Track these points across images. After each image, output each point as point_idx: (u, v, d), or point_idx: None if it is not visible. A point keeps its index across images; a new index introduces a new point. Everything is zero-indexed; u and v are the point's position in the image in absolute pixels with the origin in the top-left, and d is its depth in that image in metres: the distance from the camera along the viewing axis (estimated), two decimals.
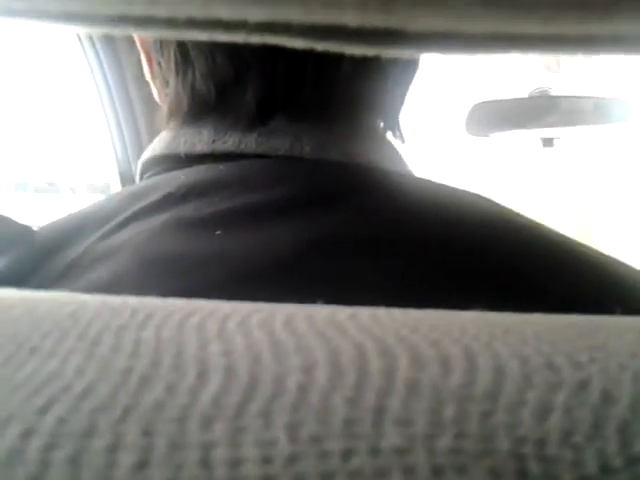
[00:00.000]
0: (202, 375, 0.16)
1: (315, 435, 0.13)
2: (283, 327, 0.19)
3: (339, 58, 0.41)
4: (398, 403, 0.14)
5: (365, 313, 0.21)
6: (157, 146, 0.45)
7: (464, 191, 0.41)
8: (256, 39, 0.20)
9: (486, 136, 1.78)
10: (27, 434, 0.13)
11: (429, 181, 0.42)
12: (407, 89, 0.47)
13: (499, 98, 1.76)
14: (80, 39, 0.93)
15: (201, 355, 0.17)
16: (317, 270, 0.34)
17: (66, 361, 0.17)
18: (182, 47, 0.42)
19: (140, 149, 1.02)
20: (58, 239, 0.40)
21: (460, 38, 0.18)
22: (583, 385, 0.15)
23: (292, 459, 0.12)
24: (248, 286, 0.33)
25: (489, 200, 0.41)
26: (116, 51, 0.92)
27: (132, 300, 0.23)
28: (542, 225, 0.40)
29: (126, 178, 1.06)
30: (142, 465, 0.12)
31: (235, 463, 0.12)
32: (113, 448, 0.12)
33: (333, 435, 0.13)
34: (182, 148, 0.43)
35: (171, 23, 0.20)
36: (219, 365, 0.16)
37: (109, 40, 0.90)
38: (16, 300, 0.23)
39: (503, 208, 0.41)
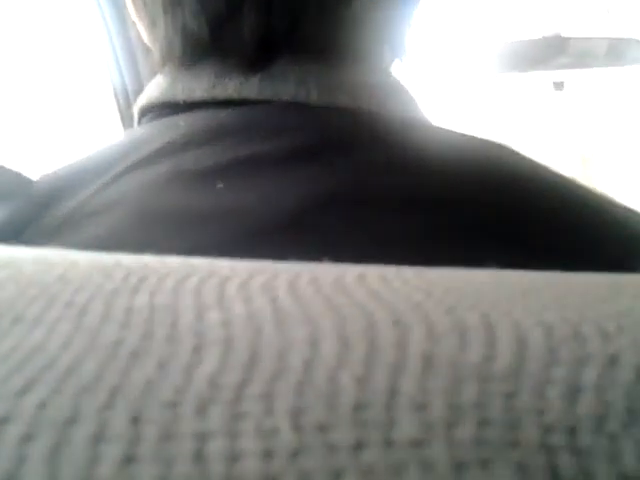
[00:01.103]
0: (198, 350, 0.14)
1: (322, 422, 0.12)
2: (287, 292, 0.18)
3: None
4: (412, 384, 0.13)
5: (374, 274, 0.20)
6: (154, 91, 0.43)
7: (486, 141, 0.39)
8: None
9: (497, 76, 1.75)
10: (5, 420, 0.12)
11: (447, 130, 0.40)
12: (412, 13, 0.45)
13: (512, 39, 1.72)
14: None
15: (197, 326, 0.16)
16: (325, 225, 0.33)
17: (51, 332, 0.16)
18: None
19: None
20: (56, 189, 0.39)
21: None
22: (613, 360, 0.14)
23: (296, 453, 0.11)
24: (252, 243, 0.32)
25: (513, 151, 0.39)
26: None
27: (126, 259, 0.21)
28: (570, 180, 0.38)
29: (128, 125, 1.04)
30: (129, 460, 0.11)
31: (233, 458, 0.11)
32: (97, 439, 0.11)
33: (342, 423, 0.12)
34: (180, 94, 0.40)
35: None
36: (217, 338, 0.15)
37: None
38: (4, 261, 0.21)
39: (529, 160, 0.39)
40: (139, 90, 1.02)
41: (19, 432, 0.11)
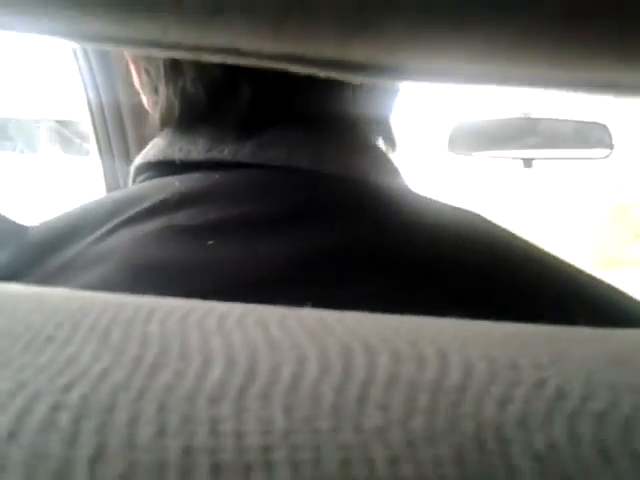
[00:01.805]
0: (206, 363, 0.18)
1: (307, 415, 0.15)
2: (277, 326, 0.21)
3: None
4: (379, 392, 0.16)
5: (351, 316, 0.23)
6: (151, 152, 0.45)
7: (462, 209, 0.42)
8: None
9: (467, 155, 1.82)
10: (56, 408, 0.15)
11: (427, 198, 0.42)
12: (396, 96, 0.48)
13: (480, 119, 1.79)
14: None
15: (204, 347, 0.19)
16: (307, 285, 0.34)
17: (81, 349, 0.19)
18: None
19: (127, 157, 1.03)
20: (51, 239, 0.41)
21: (452, 72, 0.20)
22: (541, 382, 0.18)
23: (288, 433, 0.14)
24: (238, 297, 0.34)
25: (487, 220, 0.42)
26: (108, 59, 0.94)
27: (134, 298, 0.25)
28: (539, 248, 0.41)
29: (112, 187, 1.07)
30: (160, 434, 0.14)
31: (240, 435, 0.14)
32: (133, 422, 0.14)
33: (323, 415, 0.15)
34: (177, 155, 0.43)
35: (173, 46, 0.22)
36: (220, 356, 0.18)
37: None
38: (28, 294, 0.25)
39: (501, 229, 0.41)
40: (125, 153, 1.07)
41: (70, 416, 0.15)
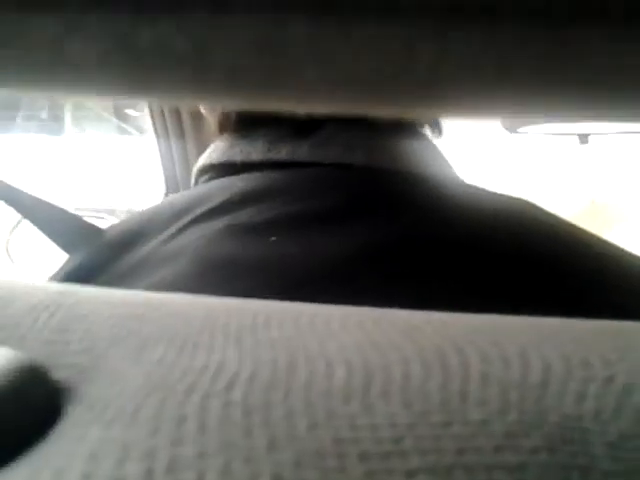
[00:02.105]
0: (329, 365, 0.22)
1: (422, 410, 0.19)
2: (375, 328, 0.25)
3: None
4: (475, 389, 0.20)
5: (437, 317, 0.27)
6: (213, 154, 0.48)
7: (513, 198, 0.43)
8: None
9: (520, 131, 1.81)
10: (226, 405, 0.19)
11: (478, 188, 0.44)
12: None
13: None
14: None
15: (323, 350, 0.23)
16: (368, 279, 0.36)
17: (225, 354, 0.23)
18: None
19: (186, 161, 1.08)
20: (124, 240, 0.44)
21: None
22: (610, 379, 0.21)
23: (411, 426, 0.18)
24: (303, 292, 0.34)
25: (537, 207, 0.43)
26: None
27: (245, 303, 0.29)
28: (590, 234, 0.42)
29: (171, 189, 1.13)
30: (312, 427, 0.18)
31: (374, 428, 0.18)
32: (289, 416, 0.18)
33: (435, 410, 0.19)
34: (238, 157, 0.45)
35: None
36: (339, 359, 0.22)
37: None
38: (155, 300, 0.29)
39: (554, 216, 0.42)
40: (185, 158, 1.11)
41: (240, 413, 0.19)
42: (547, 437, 0.18)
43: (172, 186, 1.10)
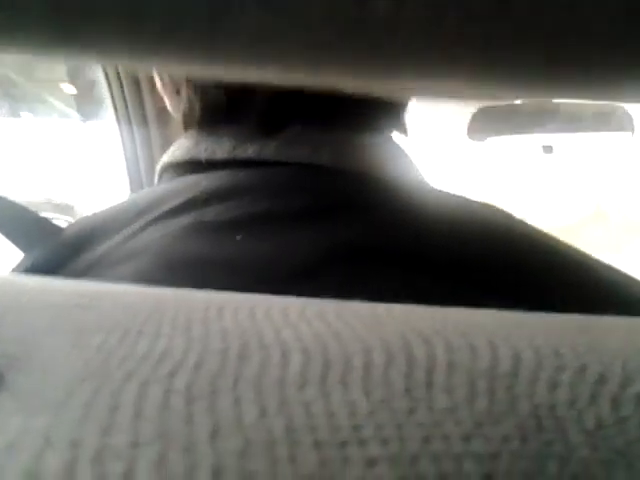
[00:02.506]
0: (285, 354, 0.20)
1: (384, 398, 0.17)
2: (336, 318, 0.24)
3: None
4: (442, 378, 0.19)
5: (399, 309, 0.25)
6: (177, 152, 0.46)
7: (480, 203, 0.43)
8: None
9: (486, 140, 1.82)
10: (167, 392, 0.17)
11: (445, 192, 0.43)
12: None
13: (500, 104, 1.79)
14: None
15: (278, 339, 0.21)
16: (334, 277, 0.36)
17: (171, 343, 0.21)
18: None
19: (151, 158, 1.06)
20: (83, 237, 0.43)
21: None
22: (583, 368, 0.20)
23: (371, 413, 0.17)
24: (269, 291, 0.34)
25: (504, 212, 0.42)
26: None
27: (199, 294, 0.27)
28: (559, 240, 0.41)
29: (135, 187, 1.10)
30: (263, 415, 0.16)
31: (331, 415, 0.16)
32: (237, 404, 0.17)
33: (398, 398, 0.17)
34: (203, 155, 0.44)
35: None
36: (296, 348, 0.20)
37: None
38: (103, 290, 0.27)
39: (519, 221, 0.42)
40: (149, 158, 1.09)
41: (182, 400, 0.17)
42: (519, 425, 0.16)
43: (136, 182, 1.08)
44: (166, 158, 0.48)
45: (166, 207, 0.41)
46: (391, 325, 0.23)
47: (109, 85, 1.03)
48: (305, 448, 0.15)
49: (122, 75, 0.99)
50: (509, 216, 0.43)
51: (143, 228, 0.41)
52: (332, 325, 0.23)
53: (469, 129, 1.80)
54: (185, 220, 0.40)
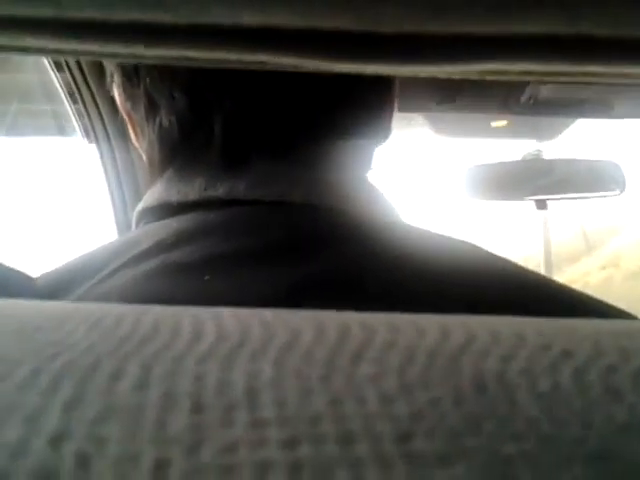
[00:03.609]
0: (197, 336, 0.17)
1: (298, 368, 0.14)
2: (271, 313, 0.21)
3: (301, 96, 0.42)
4: (375, 352, 0.16)
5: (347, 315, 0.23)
6: (150, 197, 0.46)
7: (456, 240, 0.42)
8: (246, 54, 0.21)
9: (480, 200, 1.81)
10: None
11: (421, 229, 0.42)
12: (385, 129, 0.48)
13: (491, 162, 1.79)
14: (82, 99, 0.96)
15: (196, 325, 0.18)
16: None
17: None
18: (148, 94, 0.44)
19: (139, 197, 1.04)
20: (54, 287, 0.42)
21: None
22: (546, 346, 0.17)
23: (275, 380, 0.14)
24: None
25: (482, 249, 0.42)
26: (116, 109, 0.95)
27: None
28: (540, 275, 0.41)
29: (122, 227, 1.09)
30: (141, 388, 0.13)
31: (224, 383, 0.13)
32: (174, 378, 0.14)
33: (314, 368, 0.14)
34: (174, 197, 0.43)
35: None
36: (211, 329, 0.18)
37: (111, 100, 0.94)
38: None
39: (497, 257, 0.41)
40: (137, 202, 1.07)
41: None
42: (455, 389, 0.13)
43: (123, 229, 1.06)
44: (141, 204, 0.47)
45: (134, 252, 0.40)
46: (333, 315, 0.20)
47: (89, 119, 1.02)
48: (183, 409, 0.12)
49: (105, 118, 0.98)
50: (491, 254, 0.41)
51: (112, 274, 0.40)
52: (263, 315, 0.20)
53: (462, 189, 1.79)
54: (152, 263, 0.39)
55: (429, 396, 0.13)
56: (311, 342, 0.16)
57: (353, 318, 0.19)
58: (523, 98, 1.26)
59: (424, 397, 0.13)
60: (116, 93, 0.49)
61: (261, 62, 0.21)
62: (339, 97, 0.44)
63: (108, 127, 0.99)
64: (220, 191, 0.42)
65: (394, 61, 0.20)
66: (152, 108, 0.44)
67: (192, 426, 0.14)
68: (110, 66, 0.48)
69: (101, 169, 1.05)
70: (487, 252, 0.41)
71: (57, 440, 0.14)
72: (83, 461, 0.13)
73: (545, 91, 1.26)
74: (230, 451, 0.13)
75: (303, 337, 0.17)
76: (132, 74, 0.45)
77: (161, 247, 0.40)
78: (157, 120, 0.44)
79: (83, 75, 0.93)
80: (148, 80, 0.43)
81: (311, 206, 0.42)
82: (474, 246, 0.41)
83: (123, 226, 1.05)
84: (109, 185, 1.04)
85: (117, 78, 0.47)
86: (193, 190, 0.43)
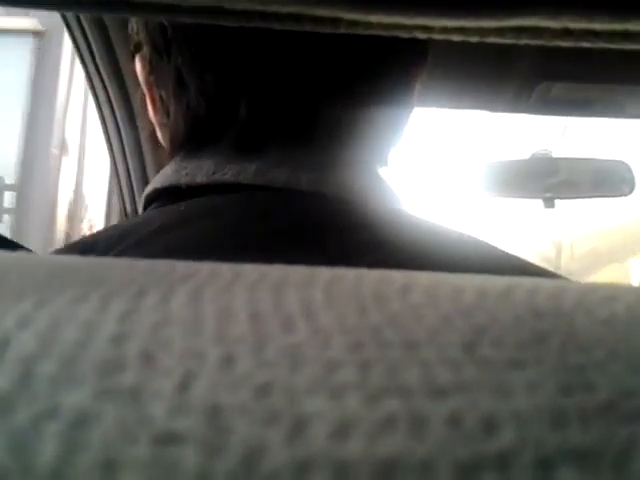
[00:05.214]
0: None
1: (379, 295, 0.16)
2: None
3: (323, 83, 0.43)
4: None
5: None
6: (159, 179, 0.46)
7: (458, 232, 0.42)
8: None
9: (487, 197, 1.80)
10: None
11: (424, 220, 0.43)
12: (399, 125, 0.48)
13: (500, 159, 1.78)
14: (90, 78, 0.96)
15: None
16: None
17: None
18: (179, 73, 0.44)
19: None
20: None
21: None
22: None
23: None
24: None
25: (484, 242, 0.42)
26: (125, 88, 0.95)
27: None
28: (541, 268, 0.41)
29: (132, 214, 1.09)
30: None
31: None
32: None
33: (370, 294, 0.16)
34: (183, 180, 0.44)
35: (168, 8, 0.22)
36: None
37: (118, 77, 0.94)
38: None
39: (501, 250, 0.42)
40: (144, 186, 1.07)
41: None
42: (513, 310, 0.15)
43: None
44: (149, 187, 0.47)
45: (141, 234, 0.41)
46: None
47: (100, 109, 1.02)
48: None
49: (113, 98, 0.98)
50: (492, 246, 0.42)
51: (123, 252, 0.40)
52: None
53: (470, 185, 1.78)
54: (157, 246, 0.39)
55: (487, 316, 0.15)
56: (355, 277, 0.17)
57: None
58: (533, 97, 1.25)
59: (483, 317, 0.15)
60: (139, 65, 0.49)
61: (296, 15, 0.21)
62: (362, 72, 0.44)
63: (116, 111, 0.99)
64: (228, 175, 0.42)
65: (430, 13, 0.20)
66: (181, 87, 0.44)
67: (253, 331, 0.15)
68: (139, 36, 0.48)
69: (107, 150, 1.05)
70: (489, 244, 0.42)
71: (118, 340, 0.14)
72: (147, 358, 0.14)
73: (555, 90, 1.25)
74: (296, 350, 0.14)
75: (347, 275, 0.18)
76: (162, 49, 0.45)
77: (165, 230, 0.40)
78: (184, 100, 0.44)
79: (91, 54, 0.93)
80: (180, 59, 0.44)
81: (318, 194, 0.42)
82: (477, 239, 0.42)
83: (131, 209, 1.05)
84: (116, 167, 1.04)
85: (146, 49, 0.47)
86: (201, 173, 0.43)
